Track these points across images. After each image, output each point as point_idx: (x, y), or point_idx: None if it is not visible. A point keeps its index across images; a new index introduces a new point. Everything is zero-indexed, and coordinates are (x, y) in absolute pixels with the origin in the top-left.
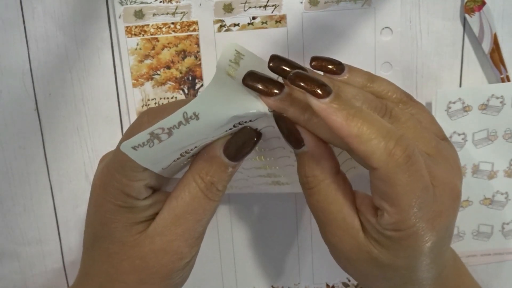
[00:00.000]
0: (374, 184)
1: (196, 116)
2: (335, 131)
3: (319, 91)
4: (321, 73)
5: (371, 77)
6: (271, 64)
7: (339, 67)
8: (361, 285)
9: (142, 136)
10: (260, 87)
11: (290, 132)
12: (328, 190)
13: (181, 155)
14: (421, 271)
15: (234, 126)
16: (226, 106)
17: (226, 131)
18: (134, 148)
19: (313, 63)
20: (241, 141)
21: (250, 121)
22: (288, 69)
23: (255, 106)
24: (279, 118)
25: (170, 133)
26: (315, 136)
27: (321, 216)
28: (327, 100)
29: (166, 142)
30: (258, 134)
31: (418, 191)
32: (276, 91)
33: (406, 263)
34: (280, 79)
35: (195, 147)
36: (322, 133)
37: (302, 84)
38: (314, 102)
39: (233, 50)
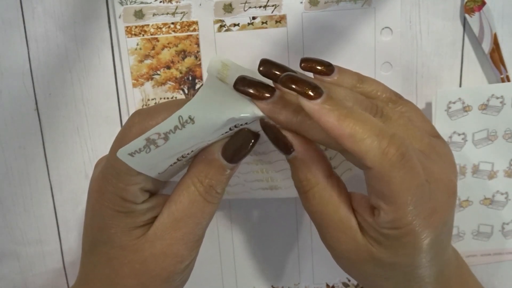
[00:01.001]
0: (370, 184)
1: (192, 120)
2: (328, 132)
3: (310, 93)
4: (311, 74)
5: (361, 78)
6: (261, 69)
7: (329, 68)
8: (364, 286)
9: (138, 142)
10: (252, 91)
11: (278, 139)
12: (323, 192)
13: (177, 159)
14: (423, 268)
15: (230, 129)
16: (221, 109)
17: (222, 134)
18: (130, 154)
19: (303, 64)
20: (239, 143)
21: (246, 123)
22: (278, 72)
23: (250, 109)
24: (265, 126)
25: (166, 138)
26: (304, 140)
27: (318, 219)
28: (319, 101)
29: (163, 147)
30: (255, 136)
31: (413, 188)
32: (267, 94)
33: (406, 260)
34: (271, 83)
35: (192, 151)
36: (316, 135)
37: (294, 86)
38: (306, 103)
39: (219, 62)
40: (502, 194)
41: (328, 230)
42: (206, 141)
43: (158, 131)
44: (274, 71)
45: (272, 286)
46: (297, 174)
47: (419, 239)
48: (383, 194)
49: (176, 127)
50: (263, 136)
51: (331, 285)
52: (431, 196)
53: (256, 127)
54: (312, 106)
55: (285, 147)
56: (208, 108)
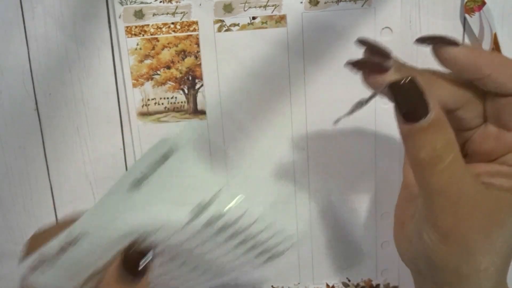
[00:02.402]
0: None
1: (80, 239)
2: (479, 70)
3: (454, 41)
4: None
5: None
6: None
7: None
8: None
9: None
10: (371, 65)
11: (418, 97)
12: (458, 163)
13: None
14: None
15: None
16: (109, 226)
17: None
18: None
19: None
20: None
21: (146, 238)
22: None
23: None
24: (409, 82)
25: (56, 257)
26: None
27: (451, 196)
28: (464, 44)
29: (56, 267)
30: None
31: None
32: (384, 64)
33: None
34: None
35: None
36: (443, 94)
37: (437, 39)
38: (455, 49)
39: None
40: None
41: (461, 208)
42: (101, 260)
43: (44, 252)
44: (374, 45)
45: (272, 286)
46: (430, 141)
47: None
48: None
49: (63, 248)
50: (172, 247)
51: (331, 285)
52: None
53: (151, 244)
54: (463, 49)
55: (421, 108)
56: (96, 226)
